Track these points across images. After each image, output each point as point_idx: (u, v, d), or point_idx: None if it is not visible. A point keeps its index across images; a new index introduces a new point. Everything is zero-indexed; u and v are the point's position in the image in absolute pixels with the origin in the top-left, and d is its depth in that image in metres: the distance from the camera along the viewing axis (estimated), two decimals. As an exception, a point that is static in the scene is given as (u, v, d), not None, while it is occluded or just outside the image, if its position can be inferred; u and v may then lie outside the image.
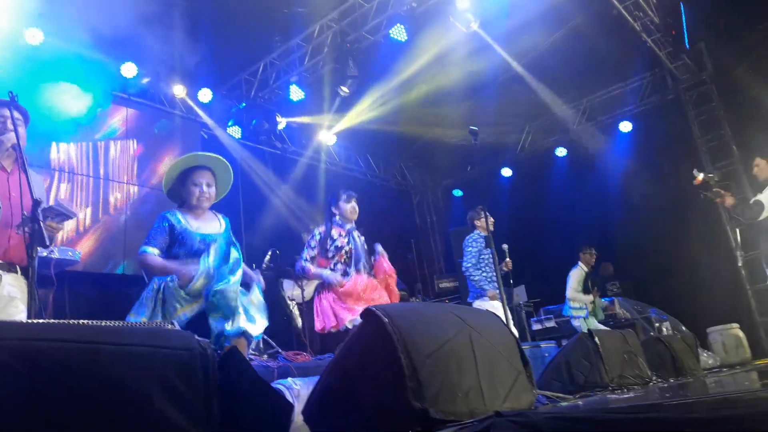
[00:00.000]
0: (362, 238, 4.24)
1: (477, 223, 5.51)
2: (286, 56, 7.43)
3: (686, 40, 7.95)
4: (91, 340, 1.31)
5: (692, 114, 8.66)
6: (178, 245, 3.01)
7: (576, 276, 7.19)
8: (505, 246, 5.50)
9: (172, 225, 3.03)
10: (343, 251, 4.07)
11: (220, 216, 3.26)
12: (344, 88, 6.96)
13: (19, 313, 2.71)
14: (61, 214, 2.70)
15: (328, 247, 4.07)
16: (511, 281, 5.99)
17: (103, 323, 1.42)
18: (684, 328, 7.70)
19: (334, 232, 4.11)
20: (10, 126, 2.75)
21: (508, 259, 5.54)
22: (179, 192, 3.18)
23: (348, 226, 4.17)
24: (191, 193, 3.11)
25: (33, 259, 2.31)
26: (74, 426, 1.22)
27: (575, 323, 7.15)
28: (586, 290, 7.18)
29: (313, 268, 4.05)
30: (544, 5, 6.70)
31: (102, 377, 1.28)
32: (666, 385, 4.00)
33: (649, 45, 8.03)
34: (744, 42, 7.93)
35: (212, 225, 3.15)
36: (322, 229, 4.16)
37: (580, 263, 7.26)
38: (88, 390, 1.26)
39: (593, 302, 7.26)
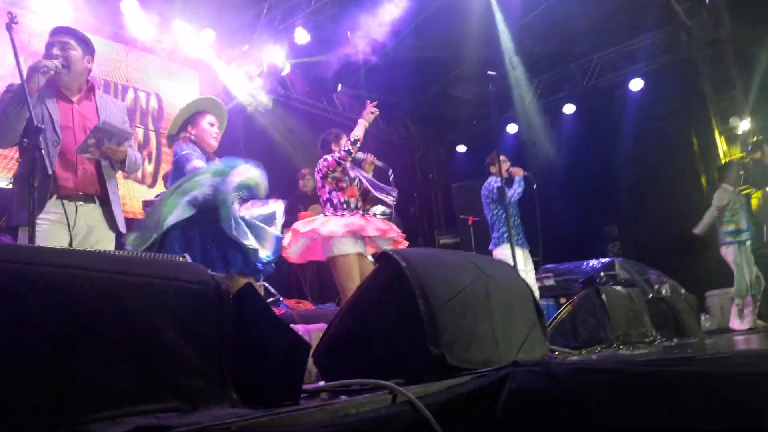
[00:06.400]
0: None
1: (492, 169, 5.46)
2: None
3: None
4: (99, 268, 1.22)
5: (706, 73, 8.44)
6: None
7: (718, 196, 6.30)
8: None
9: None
10: (355, 185, 3.96)
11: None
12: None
13: (97, 243, 2.71)
14: (113, 135, 2.61)
15: (341, 176, 3.95)
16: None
17: (113, 252, 1.32)
18: (683, 290, 7.71)
19: (344, 164, 3.96)
20: (56, 52, 2.70)
21: None
22: (186, 130, 3.15)
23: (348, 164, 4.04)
24: (208, 133, 3.15)
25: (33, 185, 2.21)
26: (78, 356, 1.14)
27: (726, 251, 6.25)
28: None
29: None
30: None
31: (109, 307, 1.19)
32: (671, 344, 3.98)
33: (667, -1, 7.77)
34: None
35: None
36: (329, 158, 3.97)
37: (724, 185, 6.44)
38: (94, 319, 1.17)
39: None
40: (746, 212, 6.21)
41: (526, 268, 5.34)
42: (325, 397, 1.69)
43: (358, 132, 3.95)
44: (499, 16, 7.37)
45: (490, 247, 5.46)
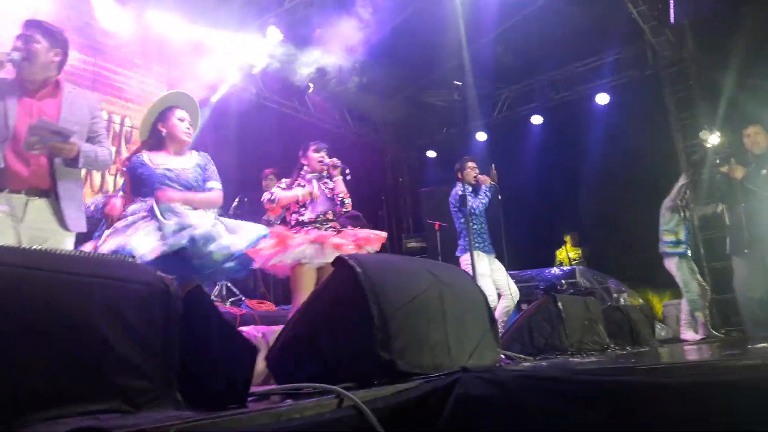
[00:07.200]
0: (330, 185, 3.98)
1: (460, 175, 5.44)
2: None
3: (671, 15, 7.93)
4: (38, 266, 1.20)
5: (669, 91, 8.70)
6: (142, 185, 2.94)
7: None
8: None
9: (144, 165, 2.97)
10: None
11: (196, 153, 3.21)
12: None
13: (49, 239, 2.65)
14: (55, 132, 2.55)
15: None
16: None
17: (55, 250, 1.31)
18: (640, 300, 7.92)
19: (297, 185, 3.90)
20: (19, 44, 2.68)
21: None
22: (156, 128, 3.09)
23: (309, 176, 3.96)
24: (179, 128, 3.08)
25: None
26: (15, 355, 1.12)
27: (669, 265, 6.30)
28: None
29: (281, 192, 3.81)
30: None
31: (49, 306, 1.18)
32: (624, 352, 4.08)
33: (634, 16, 7.96)
34: (728, 23, 7.93)
35: (182, 160, 3.08)
36: (287, 181, 3.94)
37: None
38: (32, 318, 1.16)
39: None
40: (686, 225, 6.40)
41: (492, 269, 5.37)
42: (274, 400, 1.70)
43: (297, 192, 3.82)
44: (462, 30, 7.44)
45: (457, 253, 5.47)
